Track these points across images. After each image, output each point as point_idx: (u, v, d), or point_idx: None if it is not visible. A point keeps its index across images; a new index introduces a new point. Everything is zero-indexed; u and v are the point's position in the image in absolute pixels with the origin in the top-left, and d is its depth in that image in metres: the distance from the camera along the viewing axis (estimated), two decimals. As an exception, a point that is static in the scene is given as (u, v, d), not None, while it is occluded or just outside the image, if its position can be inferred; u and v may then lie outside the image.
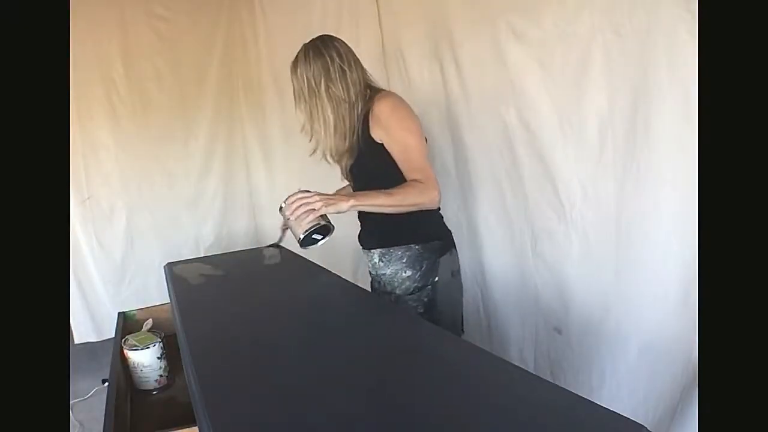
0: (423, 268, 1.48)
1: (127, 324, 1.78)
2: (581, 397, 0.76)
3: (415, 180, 1.37)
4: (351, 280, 1.52)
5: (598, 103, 1.48)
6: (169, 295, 1.54)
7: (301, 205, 1.26)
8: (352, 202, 1.29)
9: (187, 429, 1.18)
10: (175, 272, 1.68)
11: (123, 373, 1.49)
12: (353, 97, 1.44)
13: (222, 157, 3.24)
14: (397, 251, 1.49)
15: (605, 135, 1.48)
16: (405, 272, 1.49)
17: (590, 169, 1.54)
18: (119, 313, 1.85)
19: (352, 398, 0.81)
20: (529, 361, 1.93)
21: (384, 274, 1.52)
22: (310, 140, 1.52)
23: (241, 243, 3.23)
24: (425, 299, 1.48)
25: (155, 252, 3.07)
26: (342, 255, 2.62)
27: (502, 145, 1.83)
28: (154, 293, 2.90)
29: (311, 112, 1.46)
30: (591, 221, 1.58)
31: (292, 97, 1.50)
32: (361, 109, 1.44)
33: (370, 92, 1.47)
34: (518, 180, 1.79)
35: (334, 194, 1.38)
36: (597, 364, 1.64)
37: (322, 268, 1.62)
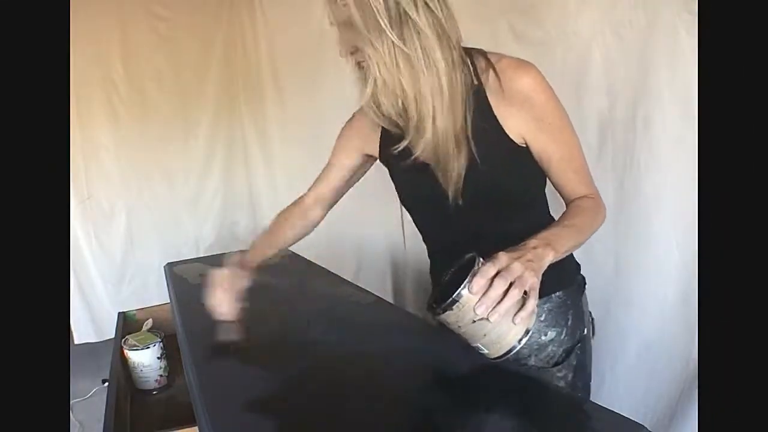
0: (569, 323, 1.01)
1: (127, 324, 1.78)
2: (580, 396, 0.76)
3: (585, 197, 0.96)
4: (352, 281, 1.51)
5: (598, 103, 1.48)
6: (169, 295, 1.54)
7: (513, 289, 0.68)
8: (552, 255, 0.76)
9: (187, 429, 1.18)
10: (175, 272, 1.68)
11: (123, 373, 1.49)
12: (457, 47, 0.84)
13: (222, 157, 3.24)
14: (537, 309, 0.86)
15: (605, 135, 1.48)
16: (544, 335, 0.99)
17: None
18: (119, 313, 1.85)
19: (351, 398, 0.81)
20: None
21: None
22: (378, 114, 0.89)
23: (242, 243, 3.22)
24: (574, 363, 1.01)
25: (155, 252, 3.07)
26: (343, 252, 2.61)
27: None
28: (154, 293, 2.91)
29: (395, 54, 0.79)
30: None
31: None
32: (465, 78, 0.85)
33: (471, 56, 0.88)
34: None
35: (523, 250, 0.74)
36: (596, 363, 1.63)
37: (325, 269, 1.62)
